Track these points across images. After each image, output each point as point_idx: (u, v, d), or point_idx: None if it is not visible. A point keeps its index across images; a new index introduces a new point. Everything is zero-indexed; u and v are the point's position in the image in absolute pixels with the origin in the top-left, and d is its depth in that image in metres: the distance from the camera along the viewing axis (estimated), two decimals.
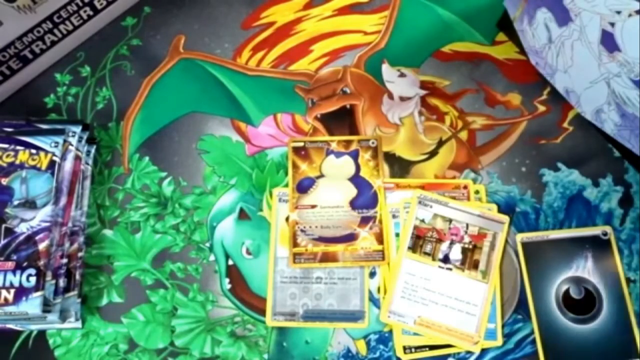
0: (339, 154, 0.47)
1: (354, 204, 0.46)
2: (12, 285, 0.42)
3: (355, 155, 0.46)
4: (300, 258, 0.45)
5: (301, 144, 0.47)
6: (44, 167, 0.46)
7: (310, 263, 0.45)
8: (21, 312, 0.42)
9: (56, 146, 0.46)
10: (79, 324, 0.46)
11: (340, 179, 0.46)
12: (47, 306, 0.42)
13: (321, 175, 0.47)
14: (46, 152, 0.46)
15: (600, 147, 0.51)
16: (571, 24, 0.44)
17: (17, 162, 0.46)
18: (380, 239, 0.45)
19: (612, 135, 0.46)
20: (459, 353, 0.45)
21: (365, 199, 0.46)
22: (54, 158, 0.46)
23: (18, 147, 0.46)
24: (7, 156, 0.46)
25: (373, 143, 0.46)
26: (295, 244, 0.45)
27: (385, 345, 0.45)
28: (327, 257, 0.45)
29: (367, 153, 0.46)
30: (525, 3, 0.49)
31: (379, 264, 0.45)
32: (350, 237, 0.45)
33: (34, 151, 0.46)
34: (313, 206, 0.46)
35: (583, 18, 0.42)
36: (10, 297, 0.42)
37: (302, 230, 0.45)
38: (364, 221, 0.45)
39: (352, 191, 0.46)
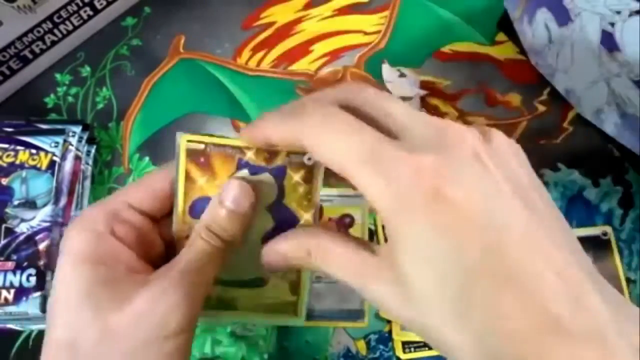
0: (256, 170, 0.30)
1: (268, 240, 0.30)
2: (12, 285, 0.42)
3: (279, 174, 0.30)
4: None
5: (200, 147, 0.30)
6: (44, 167, 0.46)
7: (207, 309, 0.31)
8: (21, 312, 0.42)
9: (56, 146, 0.46)
10: None
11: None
12: (47, 306, 0.42)
13: None
14: (46, 152, 0.46)
15: (600, 147, 0.51)
16: (571, 24, 0.44)
17: (17, 162, 0.46)
18: (295, 288, 0.32)
19: (612, 135, 0.46)
20: None
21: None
22: (54, 158, 0.46)
23: (18, 147, 0.46)
24: (7, 156, 0.46)
25: (309, 160, 0.29)
26: None
27: (385, 345, 0.45)
28: (223, 303, 0.31)
29: (297, 173, 0.30)
30: (526, 3, 0.49)
31: (289, 321, 0.32)
32: (258, 282, 0.32)
33: (34, 151, 0.46)
34: None
35: (583, 18, 0.43)
36: (10, 297, 0.42)
37: None
38: None
39: (268, 223, 0.30)
